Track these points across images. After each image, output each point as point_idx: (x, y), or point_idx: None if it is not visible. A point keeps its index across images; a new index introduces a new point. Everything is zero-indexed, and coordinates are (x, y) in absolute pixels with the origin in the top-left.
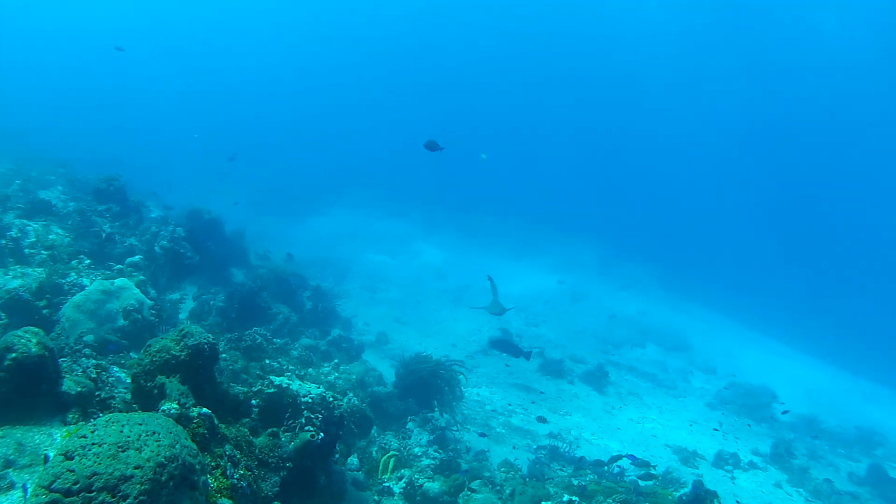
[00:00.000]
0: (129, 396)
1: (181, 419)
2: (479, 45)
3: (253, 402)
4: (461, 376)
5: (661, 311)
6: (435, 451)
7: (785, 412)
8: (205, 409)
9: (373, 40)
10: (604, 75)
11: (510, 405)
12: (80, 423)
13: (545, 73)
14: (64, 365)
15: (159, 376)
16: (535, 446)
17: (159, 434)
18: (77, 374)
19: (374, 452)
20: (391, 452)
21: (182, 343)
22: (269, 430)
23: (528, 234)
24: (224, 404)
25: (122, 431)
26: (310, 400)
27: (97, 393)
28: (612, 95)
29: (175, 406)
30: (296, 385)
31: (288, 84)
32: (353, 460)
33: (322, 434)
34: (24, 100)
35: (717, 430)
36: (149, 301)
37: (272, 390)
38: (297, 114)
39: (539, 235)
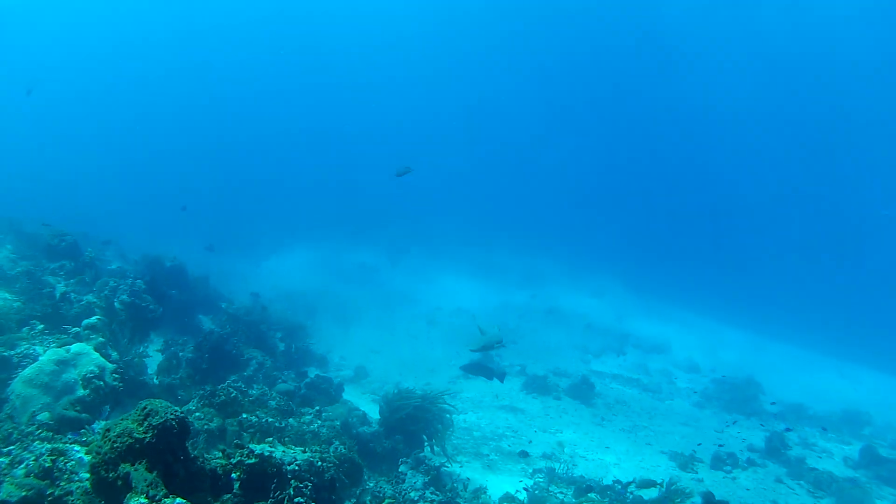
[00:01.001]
0: (89, 487)
1: None
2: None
3: (233, 475)
4: (447, 409)
5: (635, 315)
6: (432, 493)
7: (773, 403)
8: (179, 500)
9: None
10: (582, 73)
11: (499, 429)
12: None
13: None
14: (13, 454)
15: (122, 464)
16: (531, 470)
17: None
18: (26, 466)
19: (368, 502)
20: (387, 501)
21: (146, 423)
22: None
23: (492, 253)
24: (201, 482)
25: None
26: (296, 468)
27: (50, 492)
28: (582, 95)
29: (143, 501)
30: (279, 452)
31: (244, 118)
32: None
33: None
34: None
35: (720, 432)
36: (110, 364)
37: (253, 460)
38: (253, 151)
39: (503, 252)
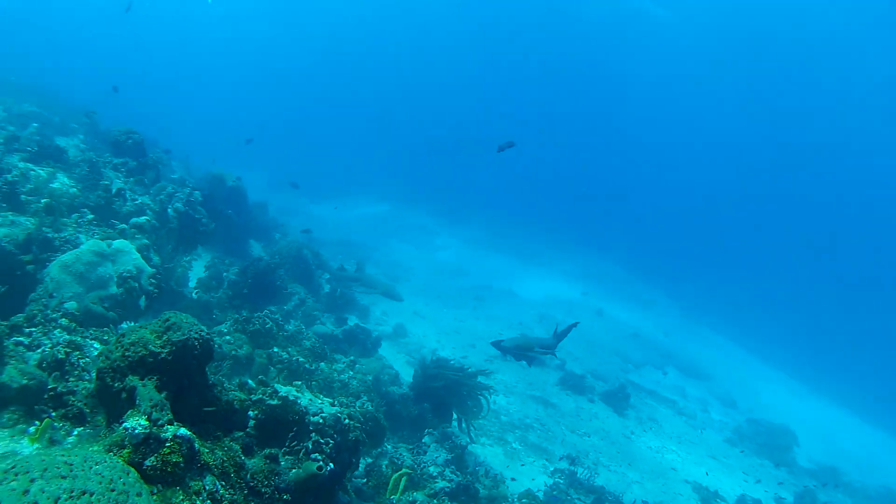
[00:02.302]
0: (93, 391)
1: (149, 443)
2: (515, 42)
3: (250, 412)
4: (483, 389)
5: (682, 335)
6: (452, 472)
7: (824, 485)
8: (183, 430)
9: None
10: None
11: (527, 418)
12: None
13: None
14: (33, 336)
15: (131, 377)
16: (551, 468)
17: (91, 498)
18: (42, 351)
19: (384, 466)
20: (403, 470)
21: (165, 337)
22: (267, 450)
23: (552, 240)
24: (213, 412)
25: (26, 493)
26: (321, 420)
27: (52, 386)
28: (648, 112)
29: (143, 422)
30: (305, 399)
31: (323, 70)
32: (359, 470)
33: (332, 465)
34: (58, 55)
35: (745, 475)
36: (149, 268)
37: (275, 402)
38: (330, 100)
39: (564, 242)
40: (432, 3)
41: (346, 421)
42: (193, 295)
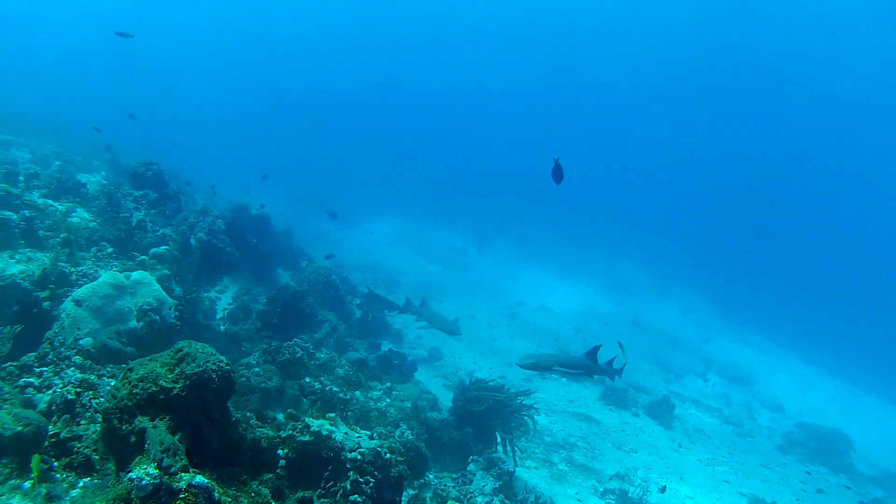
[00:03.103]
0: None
1: (159, 495)
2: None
3: (280, 451)
4: (524, 409)
5: (722, 340)
6: (501, 501)
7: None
8: (199, 479)
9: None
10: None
11: (571, 437)
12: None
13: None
14: (44, 376)
15: (140, 417)
16: (601, 489)
17: None
18: (52, 392)
19: (428, 499)
20: (450, 502)
21: (178, 370)
22: (300, 493)
23: (583, 253)
24: (238, 454)
25: None
26: (359, 456)
27: (53, 432)
28: (659, 107)
29: (152, 471)
30: (340, 433)
31: (343, 88)
32: None
33: None
34: (81, 89)
35: (803, 485)
36: (171, 300)
37: (307, 437)
38: (351, 121)
39: (595, 255)
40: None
41: (388, 455)
42: (221, 327)
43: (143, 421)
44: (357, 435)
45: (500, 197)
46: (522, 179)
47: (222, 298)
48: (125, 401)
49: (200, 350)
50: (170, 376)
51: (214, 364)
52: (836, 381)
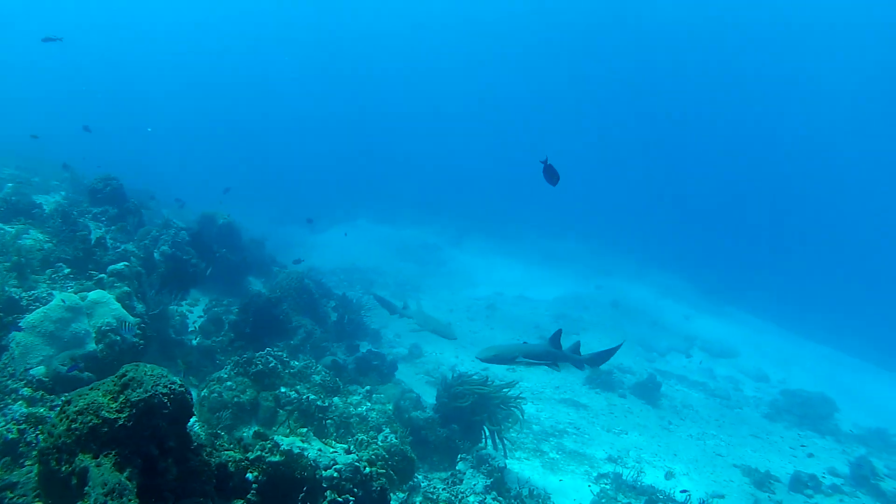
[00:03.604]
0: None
1: None
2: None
3: (249, 475)
4: (514, 407)
5: (702, 316)
6: (494, 499)
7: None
8: None
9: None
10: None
11: (560, 424)
12: None
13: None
14: None
15: (81, 455)
16: (595, 474)
17: None
18: None
19: (418, 503)
20: None
21: (123, 398)
22: None
23: (559, 241)
24: (202, 483)
25: None
26: (335, 474)
27: None
28: (629, 96)
29: None
30: (313, 451)
31: (306, 92)
32: None
33: None
34: (38, 106)
35: (793, 450)
36: (132, 318)
37: (277, 458)
38: (315, 123)
39: (571, 242)
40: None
41: (367, 469)
42: (193, 341)
43: (84, 459)
44: (332, 450)
45: (473, 191)
46: (494, 173)
47: (194, 312)
48: (63, 438)
49: (148, 373)
50: (113, 405)
51: (165, 387)
52: (817, 348)
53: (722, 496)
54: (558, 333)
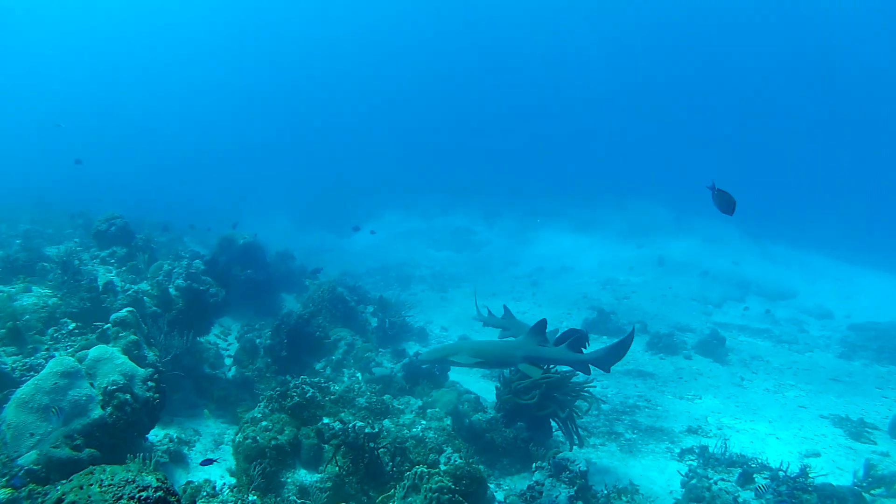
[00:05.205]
0: None
1: None
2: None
3: None
4: (583, 392)
5: (753, 259)
6: None
7: None
8: None
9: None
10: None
11: (629, 399)
12: None
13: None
14: None
15: None
16: (677, 450)
17: None
18: None
19: None
20: None
21: None
22: None
23: (594, 207)
24: None
25: None
26: None
27: None
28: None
29: None
30: None
31: (315, 94)
32: None
33: None
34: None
35: (881, 391)
36: (142, 370)
37: None
38: (328, 125)
39: (606, 207)
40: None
41: None
42: (229, 374)
43: None
44: None
45: (500, 170)
46: (517, 149)
47: (228, 340)
48: None
49: (107, 481)
50: None
51: (134, 499)
52: (875, 274)
53: (817, 454)
54: (543, 323)
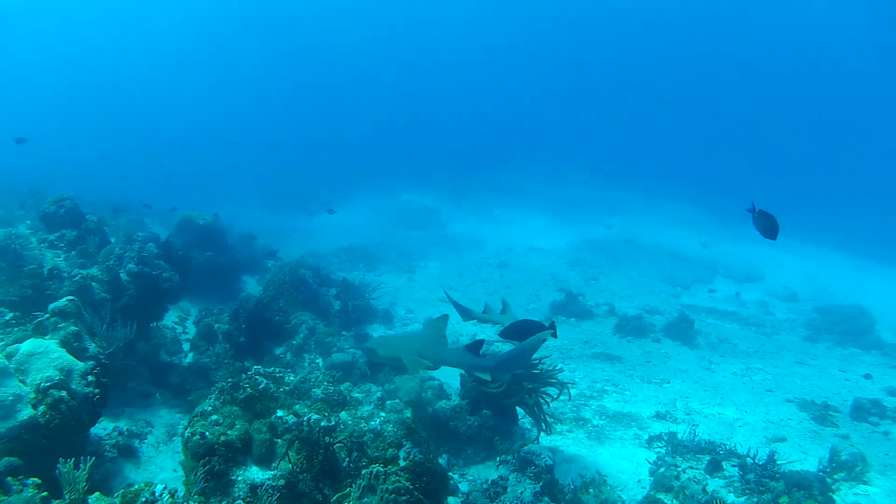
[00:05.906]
0: None
1: None
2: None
3: None
4: (551, 379)
5: (720, 241)
6: None
7: None
8: None
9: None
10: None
11: (597, 383)
12: None
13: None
14: None
15: None
16: (645, 436)
17: None
18: None
19: None
20: None
21: None
22: None
23: (564, 186)
24: None
25: None
26: None
27: None
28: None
29: None
30: None
31: (282, 74)
32: None
33: None
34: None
35: (843, 374)
36: (81, 364)
37: None
38: (296, 105)
39: (576, 186)
40: None
41: None
42: (184, 361)
43: None
44: None
45: (470, 149)
46: (484, 125)
47: (186, 325)
48: None
49: None
50: None
51: None
52: (841, 258)
53: (784, 439)
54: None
